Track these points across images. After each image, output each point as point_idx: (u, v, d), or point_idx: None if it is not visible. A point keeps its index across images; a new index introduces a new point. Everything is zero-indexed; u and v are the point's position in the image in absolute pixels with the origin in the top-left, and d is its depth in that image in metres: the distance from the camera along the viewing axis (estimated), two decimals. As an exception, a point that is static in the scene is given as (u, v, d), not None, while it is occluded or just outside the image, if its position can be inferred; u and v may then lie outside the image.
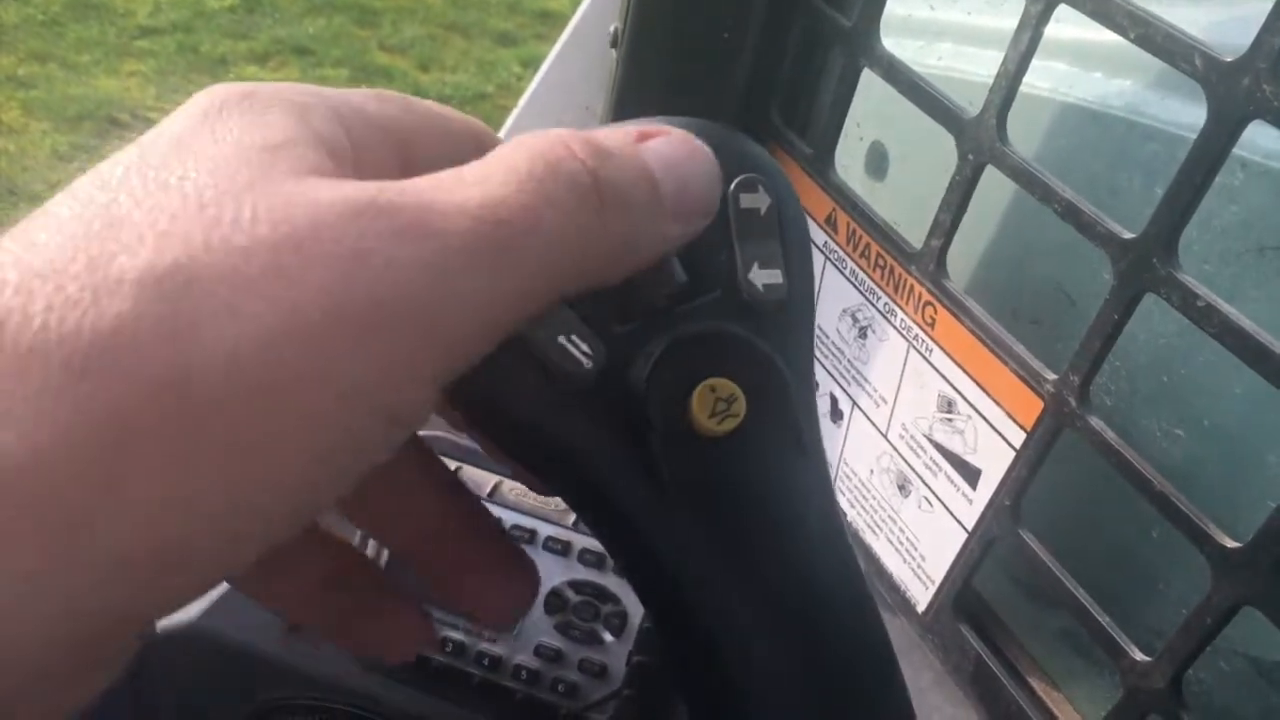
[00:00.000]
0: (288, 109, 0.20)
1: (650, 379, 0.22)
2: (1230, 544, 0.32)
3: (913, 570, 0.46)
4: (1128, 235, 0.33)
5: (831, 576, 0.24)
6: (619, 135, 0.21)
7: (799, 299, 0.23)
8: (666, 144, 0.21)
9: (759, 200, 0.23)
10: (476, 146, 0.23)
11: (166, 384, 0.16)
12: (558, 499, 0.25)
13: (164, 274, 0.16)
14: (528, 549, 0.50)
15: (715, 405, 0.22)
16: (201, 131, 0.19)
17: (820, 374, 0.51)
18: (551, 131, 0.20)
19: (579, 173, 0.19)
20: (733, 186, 0.23)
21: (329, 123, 0.20)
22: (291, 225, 0.17)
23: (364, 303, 0.17)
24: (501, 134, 0.82)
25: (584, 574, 0.50)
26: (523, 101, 0.82)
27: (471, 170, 0.19)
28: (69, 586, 0.16)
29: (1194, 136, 0.31)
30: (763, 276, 0.23)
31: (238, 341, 0.16)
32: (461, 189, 0.18)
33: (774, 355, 0.23)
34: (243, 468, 0.16)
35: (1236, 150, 0.31)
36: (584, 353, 0.22)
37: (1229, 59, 0.30)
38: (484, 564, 0.26)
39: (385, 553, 0.43)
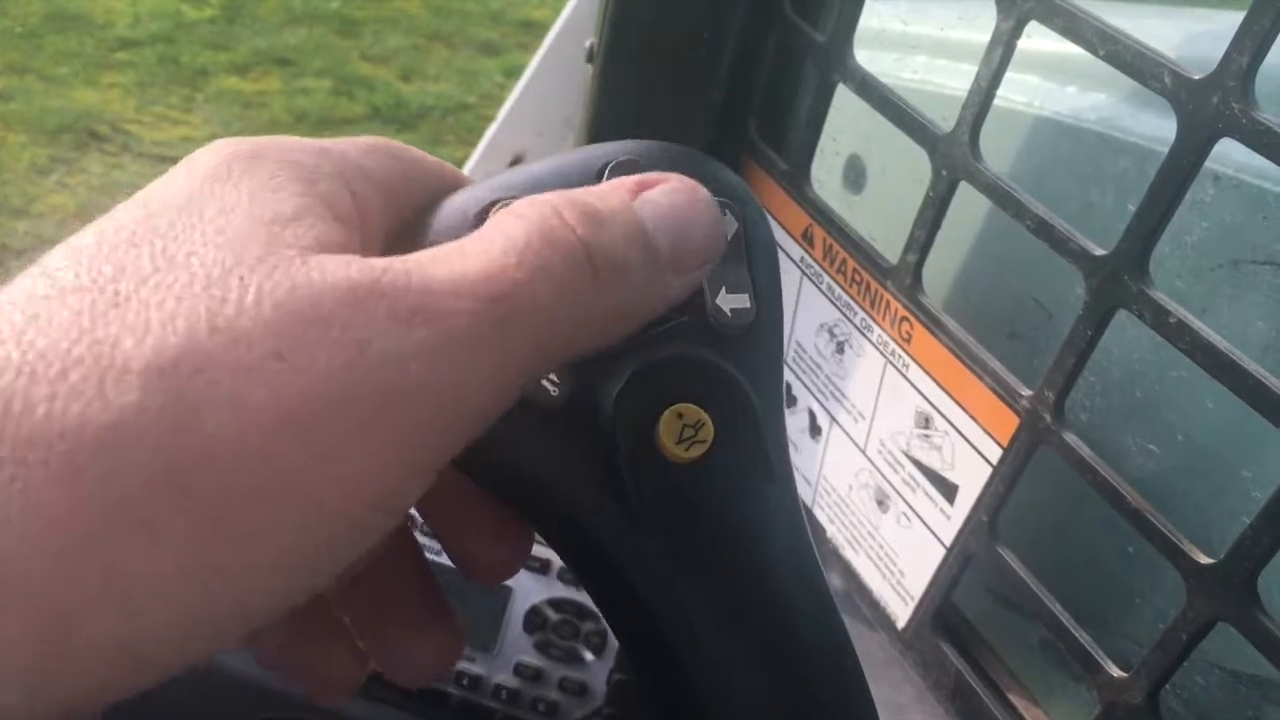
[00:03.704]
0: (295, 173, 0.20)
1: (617, 405, 0.22)
2: (1204, 560, 0.32)
3: (892, 586, 0.46)
4: (1099, 252, 0.33)
5: (801, 600, 0.24)
6: (614, 192, 0.21)
7: (767, 323, 0.23)
8: (664, 194, 0.21)
9: (726, 225, 0.23)
10: (452, 187, 0.23)
11: (168, 477, 0.16)
12: None
13: (168, 363, 0.16)
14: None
15: (682, 431, 0.22)
16: (211, 197, 0.19)
17: (798, 389, 0.51)
18: (546, 198, 0.20)
19: (572, 244, 0.19)
20: None
21: (335, 186, 0.20)
22: (295, 310, 0.17)
23: (366, 392, 0.17)
24: (483, 144, 0.82)
25: (563, 592, 0.50)
26: (502, 113, 0.82)
27: (473, 244, 0.19)
28: (61, 679, 0.16)
29: (1167, 151, 0.31)
30: (730, 301, 0.23)
31: (241, 432, 0.16)
32: (463, 264, 0.18)
33: (742, 380, 0.23)
34: (239, 556, 0.16)
35: (1208, 164, 0.31)
36: (551, 380, 0.22)
37: (1197, 76, 0.30)
38: (408, 614, 0.25)
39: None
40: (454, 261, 0.18)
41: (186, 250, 0.18)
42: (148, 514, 0.16)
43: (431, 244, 0.22)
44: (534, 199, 0.20)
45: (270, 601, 0.17)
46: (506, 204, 0.22)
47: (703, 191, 0.22)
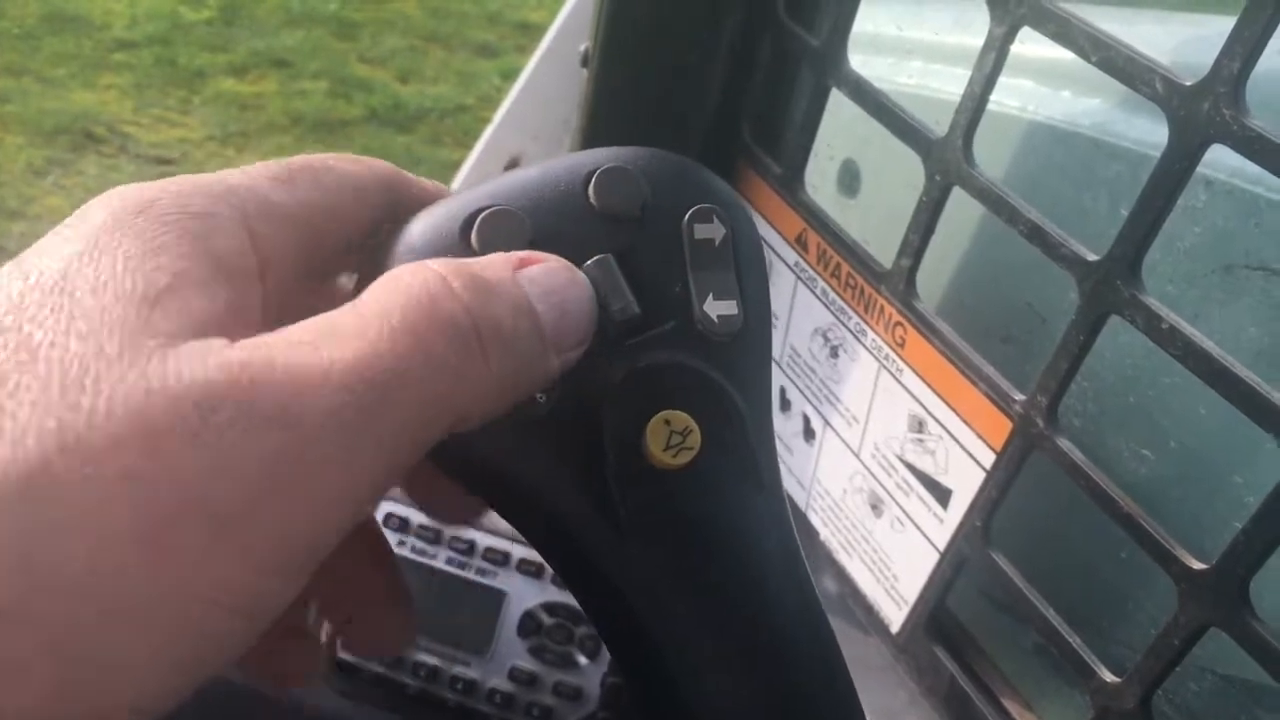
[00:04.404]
0: (185, 227, 0.19)
1: (604, 412, 0.22)
2: (1196, 565, 0.32)
3: (886, 590, 0.46)
4: (1092, 257, 0.33)
5: (789, 607, 0.24)
6: (499, 264, 0.21)
7: (755, 330, 0.23)
8: (544, 272, 0.21)
9: (714, 231, 0.23)
10: (389, 198, 0.23)
11: (20, 611, 0.15)
12: None
13: (18, 481, 0.16)
14: (501, 571, 0.50)
15: (670, 438, 0.22)
16: (86, 267, 0.18)
17: (793, 393, 0.51)
18: (430, 265, 0.20)
19: (457, 314, 0.19)
20: (687, 217, 0.23)
21: (232, 235, 0.20)
22: (149, 420, 0.16)
23: (219, 504, 0.16)
24: (479, 147, 0.82)
25: (557, 596, 0.50)
26: (499, 116, 0.82)
27: (347, 321, 0.19)
28: None
29: (1159, 156, 0.31)
30: (718, 308, 0.23)
31: (92, 556, 0.16)
32: (334, 349, 0.18)
33: (729, 387, 0.23)
34: (103, 683, 0.16)
35: (1200, 169, 0.31)
36: None
37: (1189, 83, 0.30)
38: (372, 598, 0.25)
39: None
40: (324, 347, 0.18)
41: (50, 339, 0.17)
42: (4, 652, 0.15)
43: (405, 259, 0.21)
44: (419, 265, 0.20)
45: (142, 714, 0.17)
46: (493, 212, 0.22)
47: (579, 273, 0.22)
